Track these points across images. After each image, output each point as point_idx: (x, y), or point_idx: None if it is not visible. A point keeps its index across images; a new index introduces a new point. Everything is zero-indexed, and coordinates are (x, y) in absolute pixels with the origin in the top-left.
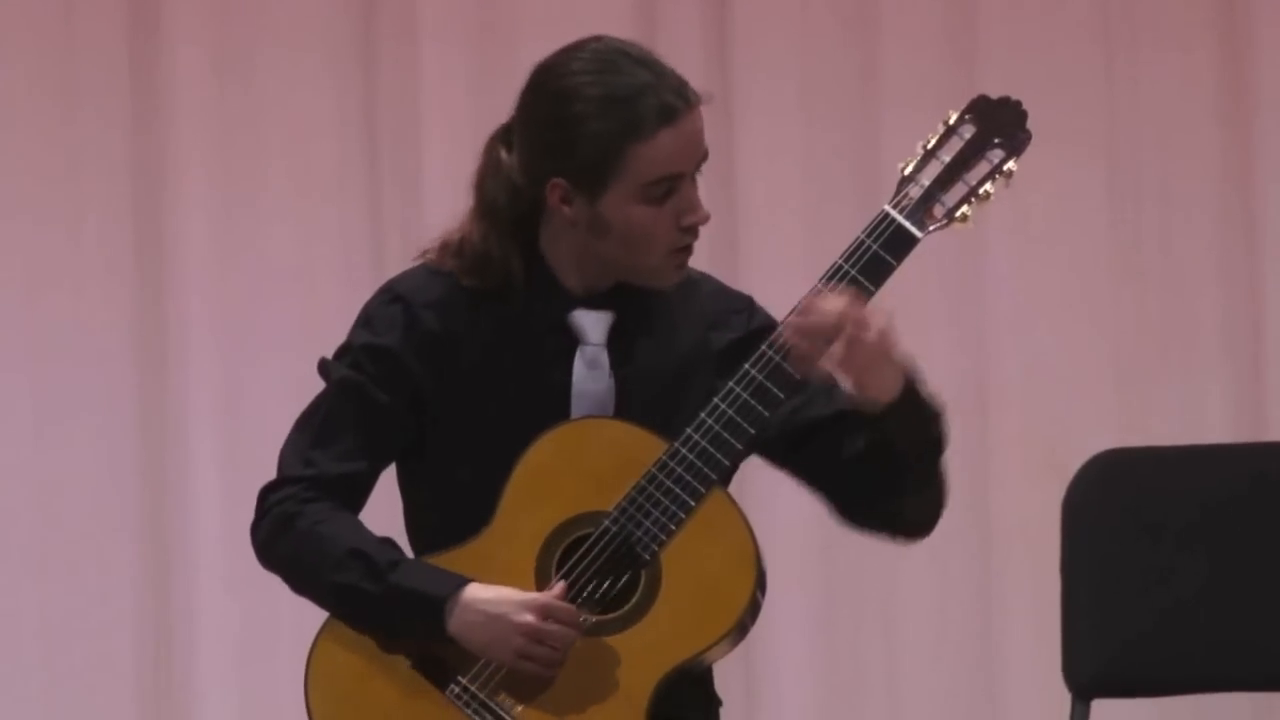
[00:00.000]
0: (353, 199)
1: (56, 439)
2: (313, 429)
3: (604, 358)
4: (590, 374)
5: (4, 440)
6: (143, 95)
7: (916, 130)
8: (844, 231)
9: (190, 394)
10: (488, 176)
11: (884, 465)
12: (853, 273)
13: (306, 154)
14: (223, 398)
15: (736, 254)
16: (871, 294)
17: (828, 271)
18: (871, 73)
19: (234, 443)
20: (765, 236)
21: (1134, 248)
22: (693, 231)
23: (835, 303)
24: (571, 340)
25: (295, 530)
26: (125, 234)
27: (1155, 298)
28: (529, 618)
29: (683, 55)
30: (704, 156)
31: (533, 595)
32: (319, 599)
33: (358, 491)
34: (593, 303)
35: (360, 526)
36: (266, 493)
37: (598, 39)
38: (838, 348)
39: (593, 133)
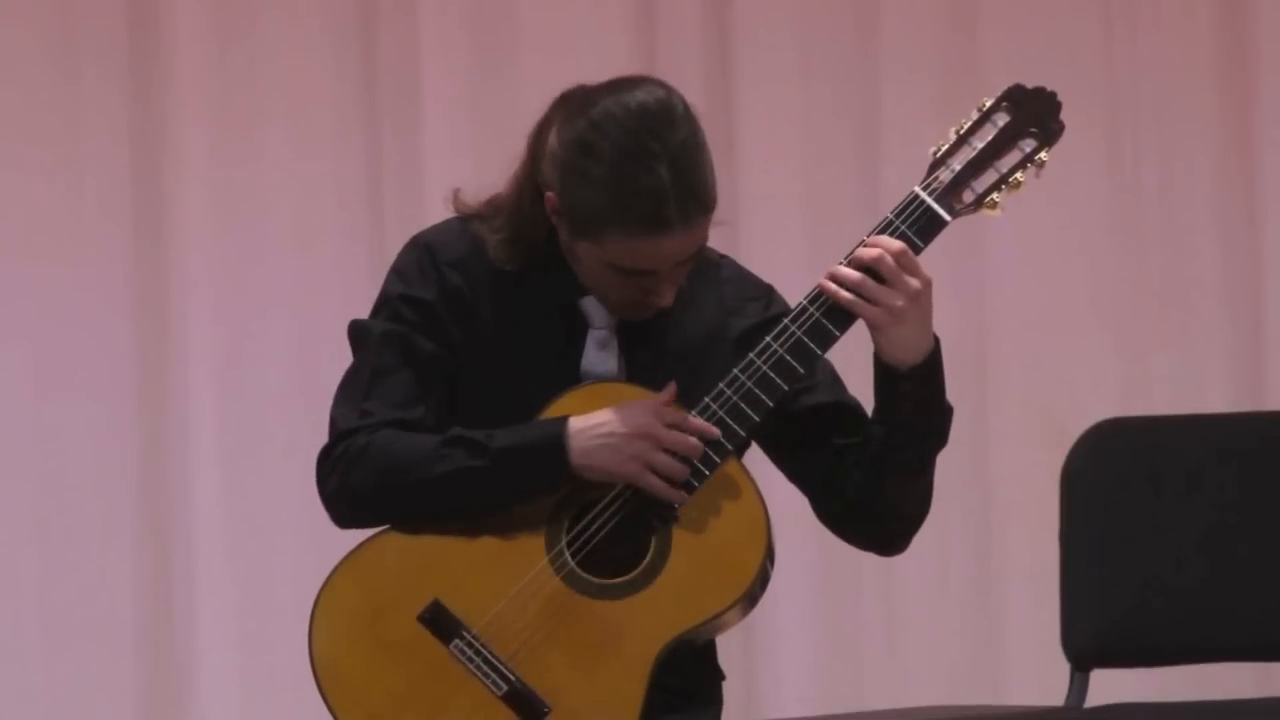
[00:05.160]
0: (351, 160)
1: (57, 400)
2: (361, 383)
3: (613, 341)
4: (599, 355)
5: (4, 401)
6: (142, 57)
7: (916, 94)
8: (843, 194)
9: (190, 355)
10: (542, 136)
11: (882, 438)
12: None
13: (306, 116)
14: (222, 359)
15: (736, 216)
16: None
17: (853, 250)
18: (872, 35)
19: (233, 403)
20: (764, 200)
21: (1134, 212)
22: (650, 304)
23: (889, 242)
24: (582, 322)
25: (372, 457)
26: (124, 196)
27: (1155, 262)
28: (643, 418)
29: (684, 18)
30: (690, 258)
31: (640, 400)
32: (425, 502)
33: None
34: None
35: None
36: (325, 454)
37: (650, 90)
38: (878, 290)
39: (586, 196)
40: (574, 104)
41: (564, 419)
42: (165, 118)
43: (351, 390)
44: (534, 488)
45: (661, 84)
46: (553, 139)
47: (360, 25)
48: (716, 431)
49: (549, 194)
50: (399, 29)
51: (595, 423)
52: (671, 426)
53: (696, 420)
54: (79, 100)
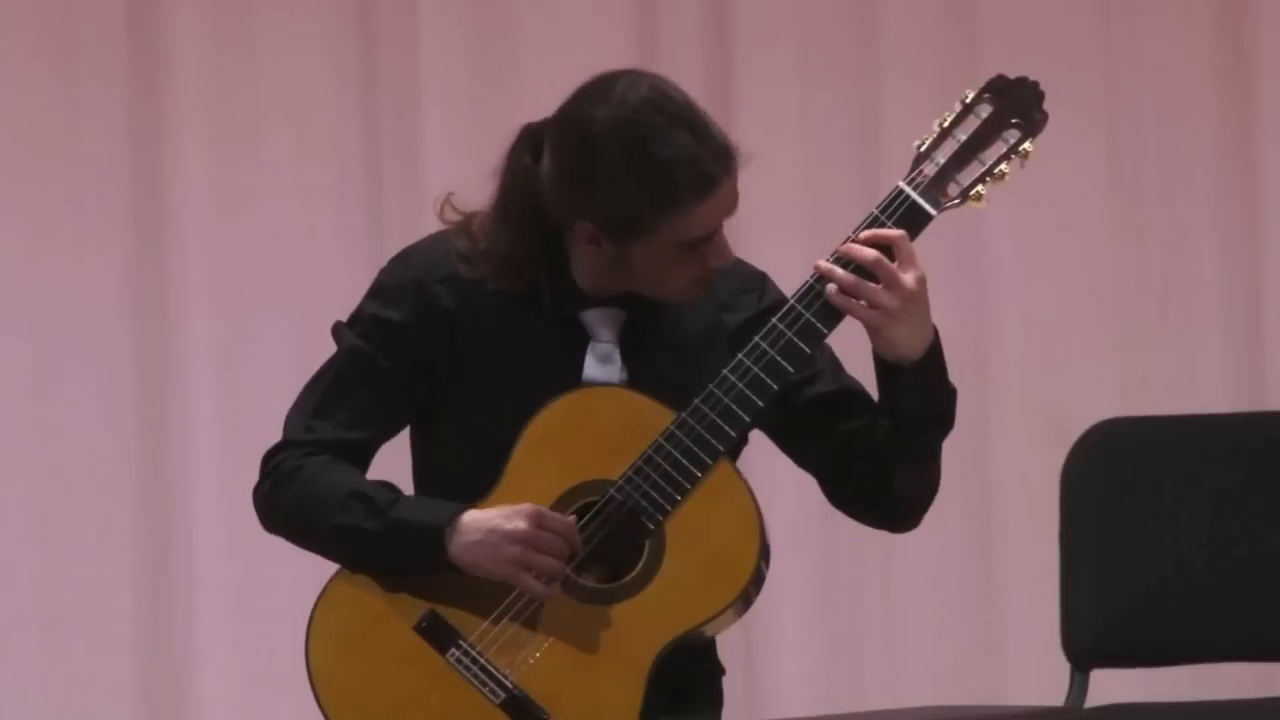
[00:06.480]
0: (351, 159)
1: (56, 399)
2: (317, 396)
3: (615, 354)
4: (601, 368)
5: (4, 400)
6: (141, 55)
7: (916, 93)
8: (843, 194)
9: (189, 354)
10: (512, 183)
11: (888, 431)
12: None
13: (306, 115)
14: (222, 358)
15: (735, 217)
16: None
17: (843, 245)
18: (872, 35)
19: (233, 402)
20: (764, 200)
21: (1134, 212)
22: (716, 270)
23: (887, 231)
24: (583, 334)
25: (296, 482)
26: (124, 195)
27: (1155, 262)
28: (521, 524)
29: (684, 18)
30: (736, 204)
31: (525, 504)
32: (323, 545)
33: (357, 459)
34: (605, 301)
35: (359, 474)
36: (269, 456)
37: (627, 79)
38: (874, 292)
39: (624, 198)
40: (555, 132)
41: (463, 509)
42: (165, 118)
43: (308, 399)
44: (415, 566)
45: (625, 70)
46: (549, 173)
47: (360, 25)
48: (578, 542)
49: (580, 226)
50: (399, 29)
51: (483, 516)
52: (548, 530)
53: (569, 522)
54: (78, 100)
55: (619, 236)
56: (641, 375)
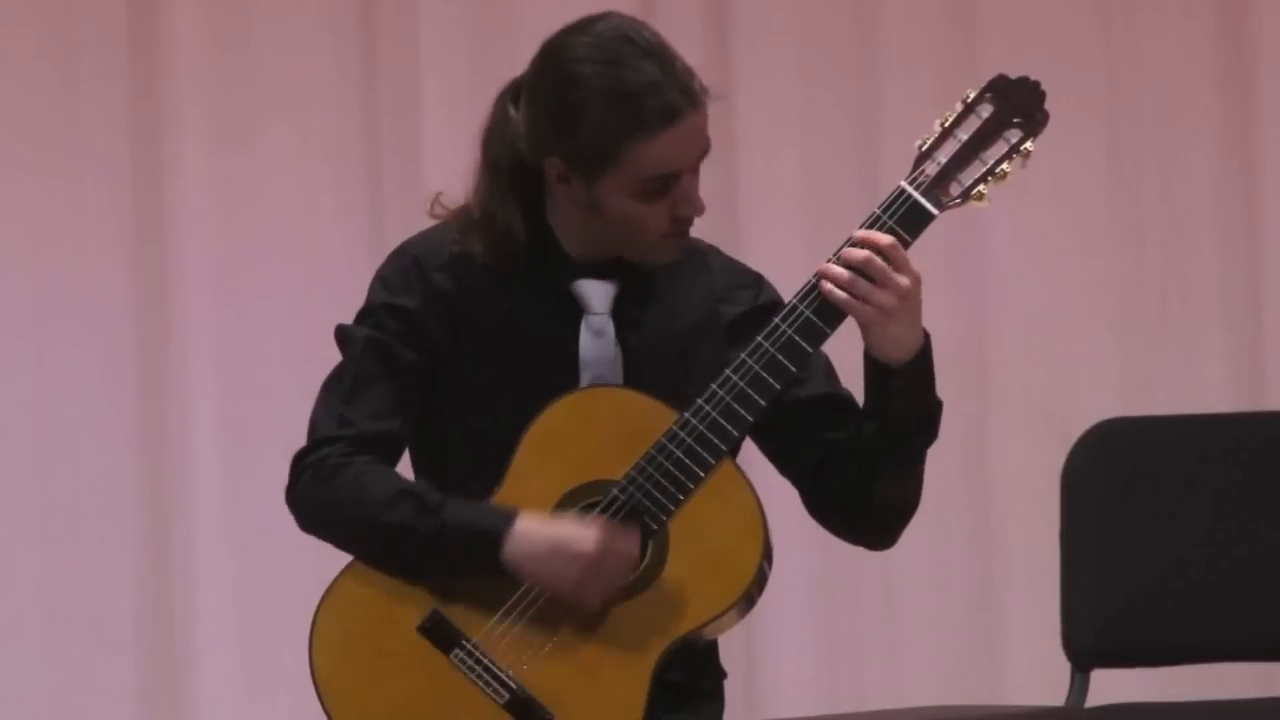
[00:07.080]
0: (351, 159)
1: (57, 399)
2: (343, 389)
3: (609, 327)
4: (596, 342)
5: (4, 401)
6: (141, 55)
7: (916, 93)
8: (843, 194)
9: (189, 353)
10: (495, 134)
11: (874, 433)
12: None
13: (306, 115)
14: (222, 357)
15: (736, 218)
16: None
17: (842, 245)
18: (872, 35)
19: (233, 402)
20: (764, 200)
21: (1134, 212)
22: (687, 220)
23: (878, 237)
24: (577, 308)
25: (340, 480)
26: (124, 194)
27: (1155, 262)
28: (590, 547)
29: (684, 18)
30: (705, 151)
31: (594, 525)
32: (368, 544)
33: (393, 449)
34: (597, 271)
35: (402, 476)
36: (302, 456)
37: (607, 18)
38: (869, 289)
39: (593, 124)
40: (532, 68)
41: (515, 514)
42: (165, 118)
43: (333, 395)
44: (464, 571)
45: (608, 11)
46: (522, 114)
47: (360, 24)
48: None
49: (549, 161)
50: (399, 29)
51: (548, 533)
52: (616, 553)
53: (634, 546)
54: (79, 100)
55: (586, 170)
56: (635, 350)
